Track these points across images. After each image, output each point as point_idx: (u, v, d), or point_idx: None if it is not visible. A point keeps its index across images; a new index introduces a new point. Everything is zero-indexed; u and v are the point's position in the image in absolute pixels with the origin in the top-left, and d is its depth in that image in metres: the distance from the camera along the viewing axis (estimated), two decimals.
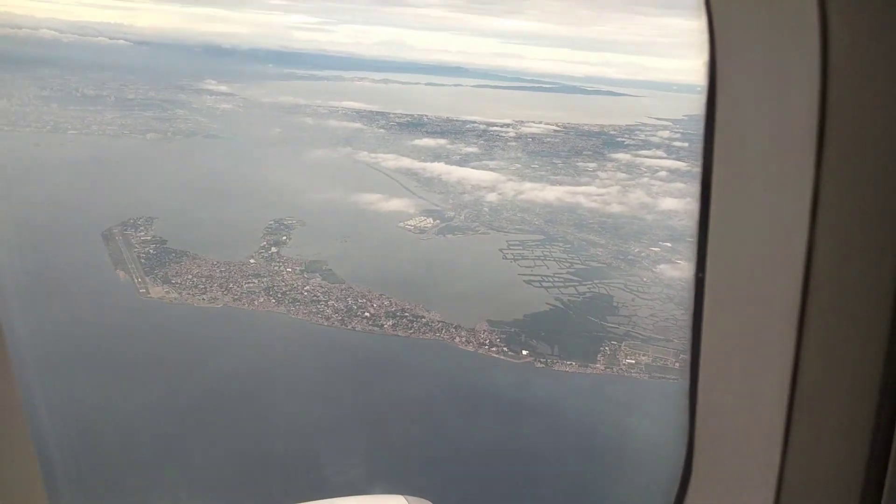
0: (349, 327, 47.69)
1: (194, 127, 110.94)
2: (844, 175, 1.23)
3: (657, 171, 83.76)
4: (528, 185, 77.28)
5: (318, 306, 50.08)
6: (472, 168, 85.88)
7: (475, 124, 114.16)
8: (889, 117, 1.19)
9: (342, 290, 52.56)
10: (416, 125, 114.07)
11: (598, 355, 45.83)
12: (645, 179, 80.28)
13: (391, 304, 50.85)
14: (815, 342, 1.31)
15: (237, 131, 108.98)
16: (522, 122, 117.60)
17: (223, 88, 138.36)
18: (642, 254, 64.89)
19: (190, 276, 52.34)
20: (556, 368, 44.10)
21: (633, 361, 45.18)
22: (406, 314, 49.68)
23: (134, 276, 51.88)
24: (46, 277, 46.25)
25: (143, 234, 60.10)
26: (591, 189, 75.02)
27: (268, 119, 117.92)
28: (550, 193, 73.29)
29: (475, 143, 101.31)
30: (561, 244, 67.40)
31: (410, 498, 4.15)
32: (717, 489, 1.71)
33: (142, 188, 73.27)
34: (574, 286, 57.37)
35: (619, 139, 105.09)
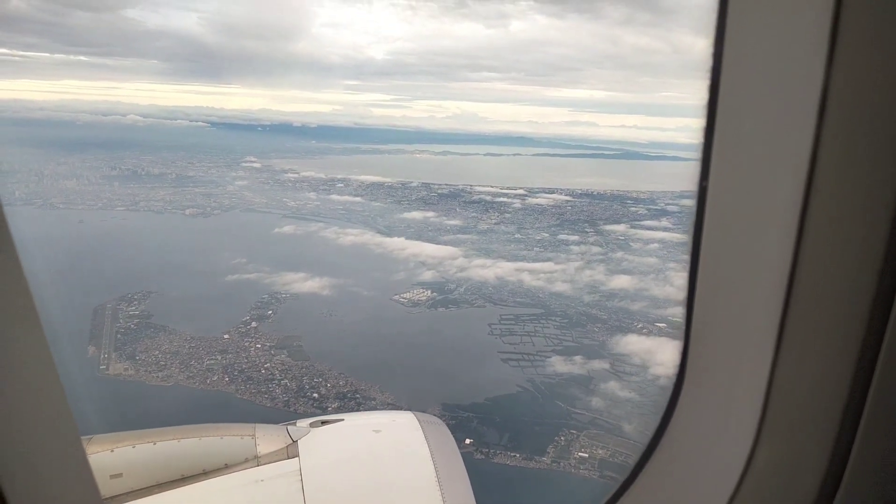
0: (291, 409, 45.71)
1: (236, 202, 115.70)
2: (841, 163, 1.28)
3: (648, 243, 78.29)
4: (477, 261, 73.92)
5: (270, 385, 48.63)
6: (436, 244, 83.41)
7: (484, 195, 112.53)
8: (888, 113, 1.23)
9: (302, 368, 51.05)
10: (426, 198, 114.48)
11: (550, 447, 41.44)
12: (619, 254, 75.16)
13: (346, 385, 48.73)
14: (813, 245, 1.34)
15: (272, 206, 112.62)
16: (533, 191, 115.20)
17: (257, 165, 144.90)
18: (644, 330, 59.80)
19: (156, 353, 52.50)
20: (495, 461, 40.01)
21: (587, 455, 40.36)
22: (357, 395, 47.29)
23: (103, 351, 52.57)
24: None
25: (133, 308, 61.47)
26: (545, 266, 70.35)
27: (290, 194, 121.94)
28: (493, 271, 69.29)
29: (464, 216, 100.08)
30: (558, 319, 63.39)
31: (420, 414, 4.32)
32: (710, 392, 1.76)
33: (156, 262, 75.86)
34: (554, 366, 53.16)
35: (633, 208, 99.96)
